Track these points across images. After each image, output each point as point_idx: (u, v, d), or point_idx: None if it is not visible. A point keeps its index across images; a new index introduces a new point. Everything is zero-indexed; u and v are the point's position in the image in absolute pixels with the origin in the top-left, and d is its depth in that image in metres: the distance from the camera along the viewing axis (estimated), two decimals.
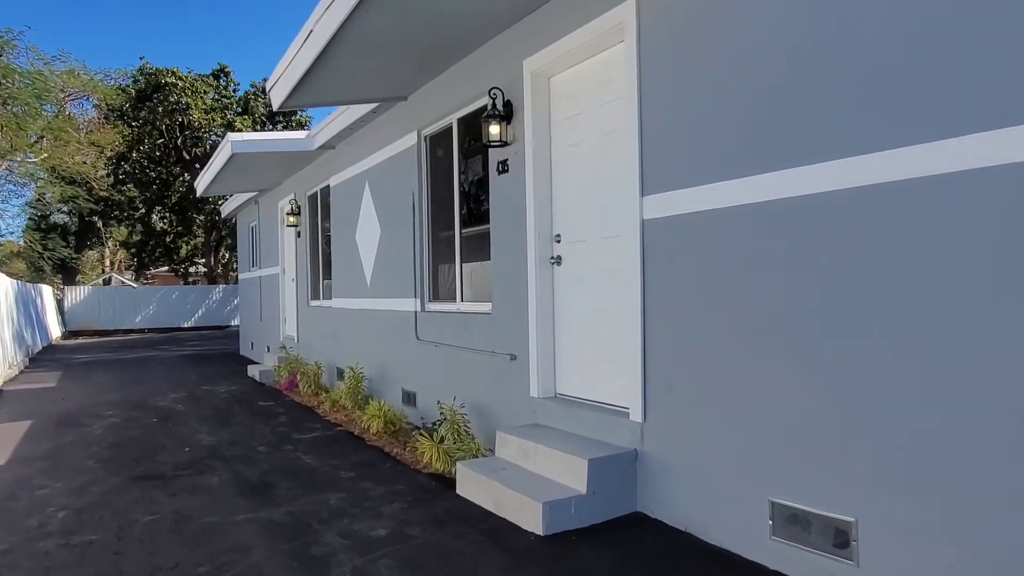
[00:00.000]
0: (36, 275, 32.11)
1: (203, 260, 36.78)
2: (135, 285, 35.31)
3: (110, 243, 42.14)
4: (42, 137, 29.32)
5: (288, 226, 11.47)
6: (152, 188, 32.51)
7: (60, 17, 56.51)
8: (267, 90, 6.65)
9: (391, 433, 6.85)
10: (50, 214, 37.24)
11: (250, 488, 5.28)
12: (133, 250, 35.34)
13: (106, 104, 31.38)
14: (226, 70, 34.52)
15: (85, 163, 32.73)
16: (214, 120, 31.75)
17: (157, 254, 34.98)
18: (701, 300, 3.78)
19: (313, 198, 10.95)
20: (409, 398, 7.41)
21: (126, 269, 48.29)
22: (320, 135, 9.22)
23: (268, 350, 13.67)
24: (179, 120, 31.39)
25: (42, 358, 17.51)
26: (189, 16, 75.49)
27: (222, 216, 18.02)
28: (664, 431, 4.01)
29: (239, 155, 9.21)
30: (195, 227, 34.61)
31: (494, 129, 5.34)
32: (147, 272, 40.07)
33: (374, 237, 8.25)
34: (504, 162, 5.52)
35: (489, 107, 5.37)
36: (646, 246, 4.09)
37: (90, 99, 31.03)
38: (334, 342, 9.81)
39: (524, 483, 4.26)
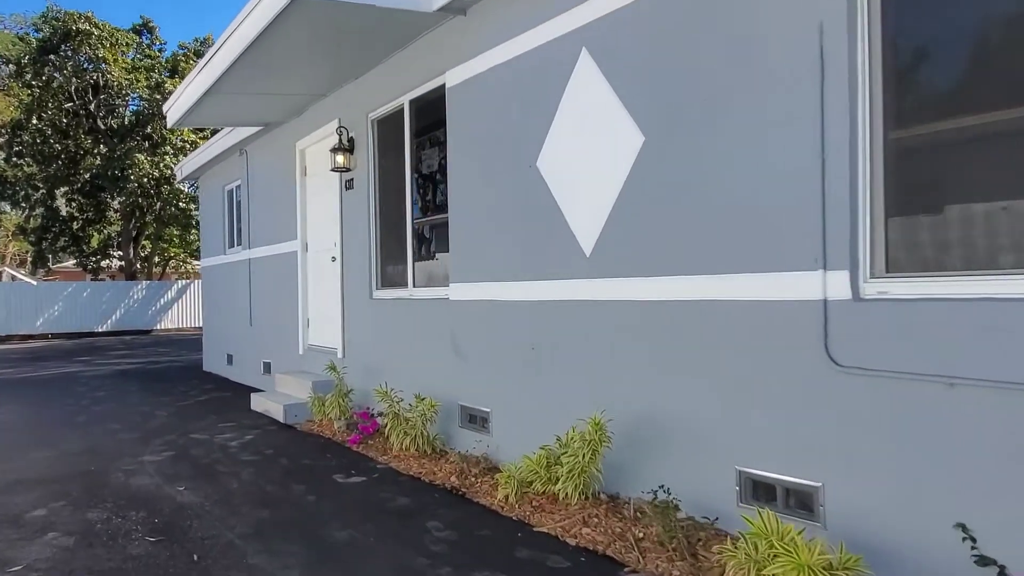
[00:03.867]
0: None
1: (119, 252, 30.83)
2: (33, 281, 29.13)
3: (0, 232, 35.40)
4: None
5: (334, 170, 7.06)
6: (56, 164, 26.50)
7: None
8: None
9: None
10: None
11: None
12: (32, 239, 28.96)
13: None
14: (150, 25, 29.01)
15: None
16: (137, 80, 26.16)
17: (62, 243, 28.74)
18: None
19: (391, 121, 6.60)
20: (778, 497, 3.31)
21: (19, 265, 41.33)
22: None
23: (266, 370, 9.15)
24: (92, 80, 25.66)
25: None
26: None
27: (180, 178, 13.14)
28: None
29: (309, 4, 4.80)
30: (110, 212, 28.74)
31: None
32: (47, 266, 33.55)
33: (613, 155, 4.10)
34: None
35: None
36: None
37: None
38: (450, 362, 5.56)
39: None
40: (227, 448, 6.03)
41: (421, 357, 5.97)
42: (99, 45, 24.79)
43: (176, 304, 26.72)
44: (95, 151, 26.82)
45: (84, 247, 29.33)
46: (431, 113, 6.04)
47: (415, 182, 6.28)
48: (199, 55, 28.91)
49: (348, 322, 7.25)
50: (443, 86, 5.68)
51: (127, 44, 26.50)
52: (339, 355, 7.34)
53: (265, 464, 5.45)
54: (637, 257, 3.98)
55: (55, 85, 25.26)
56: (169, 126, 8.27)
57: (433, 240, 6.16)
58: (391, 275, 6.68)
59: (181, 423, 7.25)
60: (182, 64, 27.71)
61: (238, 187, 10.50)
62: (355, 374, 6.90)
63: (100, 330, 24.72)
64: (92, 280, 29.37)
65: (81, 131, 26.40)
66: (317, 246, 8.03)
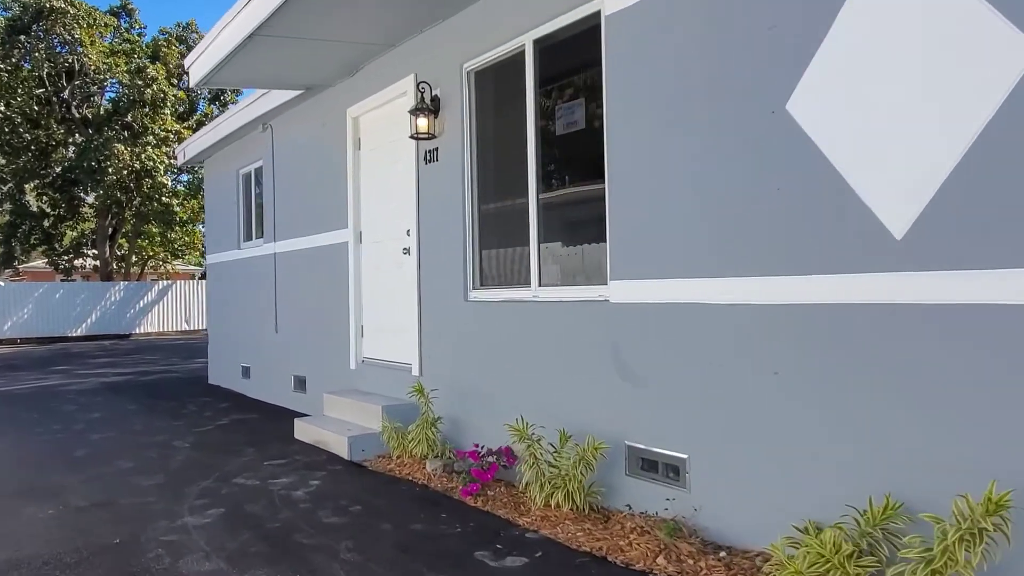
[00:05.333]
0: None
1: (94, 251, 28.72)
2: (0, 282, 26.94)
3: None
4: None
5: (413, 137, 5.54)
6: (26, 156, 24.40)
7: None
8: None
9: None
10: None
11: None
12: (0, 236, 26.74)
13: None
14: (129, 7, 27.11)
15: None
16: (116, 65, 24.22)
17: (32, 241, 26.54)
18: None
19: (501, 70, 5.09)
20: None
21: None
22: None
23: (299, 386, 7.58)
24: (67, 64, 23.68)
25: None
26: None
27: (181, 162, 11.51)
28: None
29: None
30: (84, 208, 26.65)
31: None
32: (14, 266, 31.24)
33: (960, 83, 2.68)
34: None
35: None
36: None
37: None
38: (608, 387, 4.09)
39: None
40: (293, 502, 4.47)
41: (554, 379, 4.48)
42: (75, 25, 22.82)
43: (157, 307, 24.88)
44: (69, 141, 24.84)
45: (56, 245, 27.21)
46: (567, 55, 4.59)
47: (539, 147, 4.78)
48: (182, 41, 27.06)
49: (428, 331, 5.73)
50: (596, 14, 4.21)
51: (105, 26, 24.53)
52: (414, 372, 5.81)
53: (363, 531, 3.91)
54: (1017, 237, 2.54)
55: (25, 69, 23.27)
56: (192, 84, 6.67)
57: (566, 223, 4.68)
58: (498, 270, 5.18)
59: (212, 459, 5.67)
60: (164, 50, 25.83)
61: (259, 169, 8.90)
62: (441, 398, 5.38)
63: (74, 334, 22.84)
64: (63, 280, 27.28)
65: (53, 120, 24.40)
66: (377, 235, 6.49)
